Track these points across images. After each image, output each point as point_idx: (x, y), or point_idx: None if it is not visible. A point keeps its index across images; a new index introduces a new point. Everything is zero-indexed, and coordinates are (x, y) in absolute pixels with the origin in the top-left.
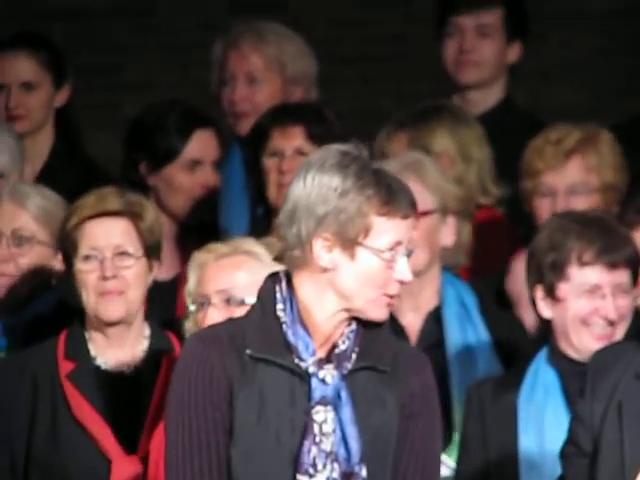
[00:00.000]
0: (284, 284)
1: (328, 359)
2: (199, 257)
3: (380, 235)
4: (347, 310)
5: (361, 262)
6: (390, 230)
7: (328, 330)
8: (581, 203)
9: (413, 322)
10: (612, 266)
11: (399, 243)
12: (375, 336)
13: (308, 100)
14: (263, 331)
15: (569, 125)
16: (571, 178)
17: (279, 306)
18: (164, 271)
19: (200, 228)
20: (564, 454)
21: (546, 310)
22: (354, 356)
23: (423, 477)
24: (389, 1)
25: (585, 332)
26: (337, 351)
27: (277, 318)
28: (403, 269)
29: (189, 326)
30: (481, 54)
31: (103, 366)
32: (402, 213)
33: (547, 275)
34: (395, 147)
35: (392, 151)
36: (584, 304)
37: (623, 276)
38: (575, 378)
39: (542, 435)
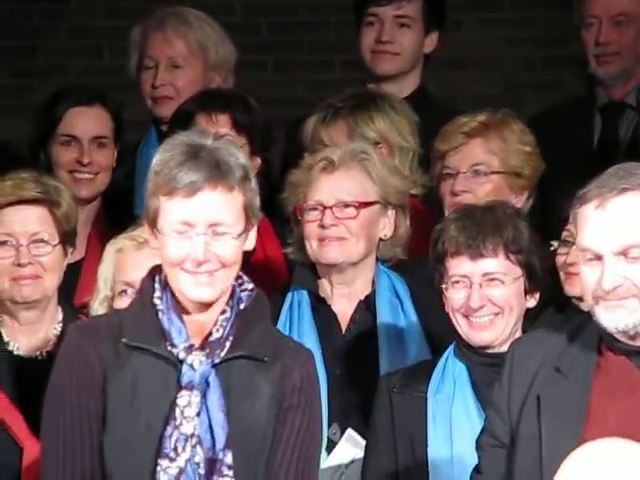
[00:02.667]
0: (163, 273)
1: (203, 347)
2: (118, 243)
3: (165, 215)
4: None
5: (160, 243)
6: (172, 210)
7: (198, 317)
8: (482, 185)
9: (345, 309)
10: (476, 256)
11: (189, 223)
12: (252, 326)
13: (230, 87)
14: (139, 319)
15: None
16: (472, 159)
17: (156, 294)
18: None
19: (114, 212)
20: (480, 444)
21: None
22: (228, 344)
23: (297, 471)
24: None
25: (464, 322)
26: (211, 339)
27: (154, 306)
28: (194, 249)
29: (101, 311)
30: (400, 45)
31: (16, 351)
32: (183, 192)
33: (436, 268)
34: (334, 134)
35: (330, 139)
36: (456, 294)
37: (492, 265)
38: (484, 369)
39: (451, 427)
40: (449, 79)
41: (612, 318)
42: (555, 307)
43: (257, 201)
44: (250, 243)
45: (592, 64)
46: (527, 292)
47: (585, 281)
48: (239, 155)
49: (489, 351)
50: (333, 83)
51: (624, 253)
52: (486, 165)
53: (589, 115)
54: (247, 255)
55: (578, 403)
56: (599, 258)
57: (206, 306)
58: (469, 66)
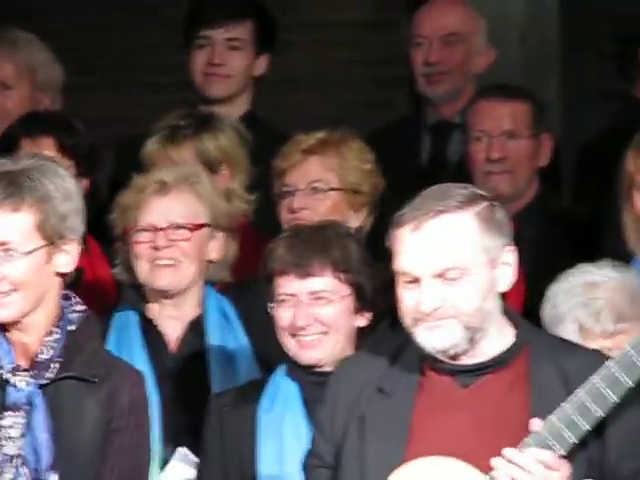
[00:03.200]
0: None
1: (29, 368)
2: None
3: None
4: None
5: None
6: None
7: (22, 337)
8: (320, 202)
9: (174, 330)
10: (303, 274)
11: None
12: (82, 347)
13: (56, 109)
14: None
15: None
16: (309, 176)
17: None
18: None
19: None
20: (305, 466)
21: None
22: (56, 365)
23: None
24: (136, 8)
25: (292, 341)
26: (37, 360)
27: None
28: None
29: None
30: (231, 67)
31: None
32: None
33: (267, 288)
34: (180, 154)
35: (177, 158)
36: (284, 313)
37: (319, 284)
38: (314, 389)
39: (281, 446)
40: (280, 100)
41: (431, 339)
42: (389, 323)
43: (70, 222)
44: (66, 265)
45: (421, 84)
46: (357, 311)
47: (404, 304)
48: (51, 177)
49: (319, 370)
50: (165, 104)
51: (441, 275)
52: (324, 182)
53: (418, 135)
54: (77, 276)
55: (401, 422)
56: (417, 281)
57: (24, 327)
58: (301, 87)
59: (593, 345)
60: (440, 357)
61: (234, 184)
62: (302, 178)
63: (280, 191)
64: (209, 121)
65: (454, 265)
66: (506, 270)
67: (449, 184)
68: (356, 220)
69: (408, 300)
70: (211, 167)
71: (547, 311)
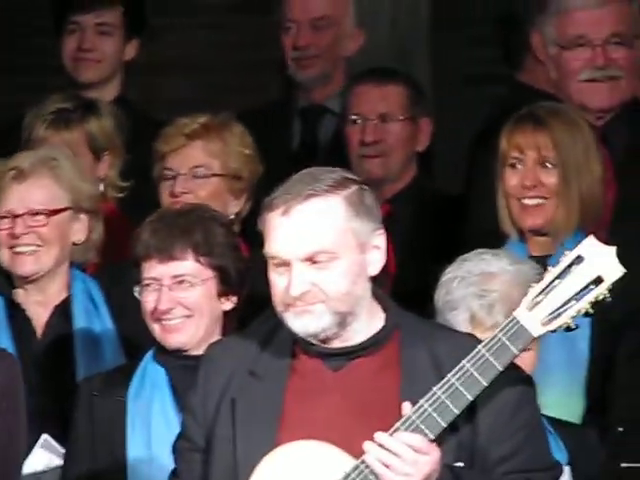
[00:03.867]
0: None
1: None
2: None
3: None
4: None
5: None
6: None
7: None
8: (202, 187)
9: (40, 315)
10: (165, 259)
11: None
12: None
13: None
14: None
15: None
16: (191, 161)
17: None
18: None
19: None
20: (176, 448)
21: None
22: None
23: None
24: None
25: (157, 325)
26: None
27: None
28: None
29: None
30: (101, 52)
31: None
32: None
33: (134, 272)
34: (70, 138)
35: (66, 144)
36: (148, 297)
37: (181, 268)
38: (182, 373)
39: (149, 431)
40: (150, 84)
41: (301, 324)
42: None
43: None
44: None
45: (291, 68)
46: (221, 294)
47: (274, 288)
48: None
49: (186, 354)
50: (33, 88)
51: (310, 259)
52: (206, 167)
53: (289, 119)
54: None
55: (272, 406)
56: (286, 265)
57: None
58: (170, 71)
59: (483, 337)
60: (312, 340)
61: (111, 171)
62: (184, 163)
63: (161, 174)
64: (94, 106)
65: (323, 249)
66: (376, 254)
67: (319, 168)
68: (236, 206)
69: (278, 284)
70: (96, 152)
71: (441, 296)
